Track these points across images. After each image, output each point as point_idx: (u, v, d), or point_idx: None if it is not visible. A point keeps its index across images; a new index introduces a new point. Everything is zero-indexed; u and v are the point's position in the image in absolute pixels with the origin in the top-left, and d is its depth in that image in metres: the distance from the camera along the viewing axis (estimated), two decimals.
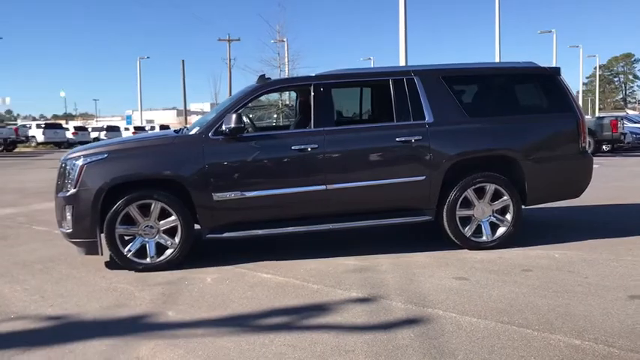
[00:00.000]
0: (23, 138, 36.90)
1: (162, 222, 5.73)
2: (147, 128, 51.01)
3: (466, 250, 6.12)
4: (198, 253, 6.21)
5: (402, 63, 19.64)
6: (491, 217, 6.16)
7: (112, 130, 48.32)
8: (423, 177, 5.96)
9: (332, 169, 5.87)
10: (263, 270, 5.61)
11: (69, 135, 42.92)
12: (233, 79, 53.51)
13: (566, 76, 6.28)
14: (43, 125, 43.14)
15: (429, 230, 6.53)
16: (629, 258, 5.69)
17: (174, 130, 6.86)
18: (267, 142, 5.95)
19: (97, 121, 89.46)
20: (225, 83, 53.20)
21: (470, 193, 6.06)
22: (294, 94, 8.50)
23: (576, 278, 5.05)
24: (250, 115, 6.92)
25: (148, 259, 5.71)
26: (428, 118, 6.04)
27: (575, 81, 66.11)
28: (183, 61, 59.85)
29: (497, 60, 29.89)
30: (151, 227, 5.73)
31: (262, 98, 7.57)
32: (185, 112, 65.09)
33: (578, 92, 60.61)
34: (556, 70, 6.41)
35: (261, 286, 5.10)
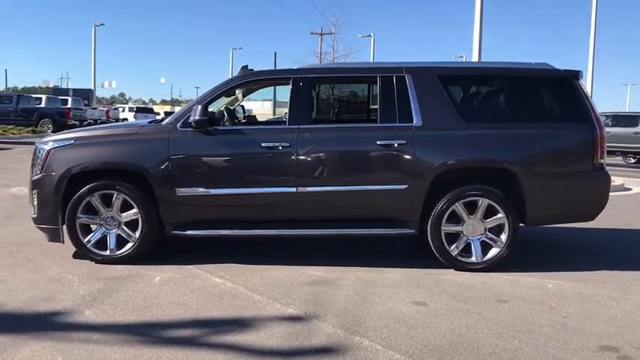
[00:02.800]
0: (113, 120, 38.66)
1: (124, 214, 5.51)
2: None
3: (450, 271, 5.46)
4: (166, 247, 5.97)
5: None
6: (483, 236, 5.46)
7: None
8: (405, 186, 5.36)
9: (304, 171, 5.40)
10: (219, 273, 5.26)
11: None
12: None
13: None
14: (134, 109, 45.04)
15: (423, 244, 5.87)
16: (635, 297, 4.84)
17: (150, 120, 6.64)
18: (236, 137, 5.56)
19: None
20: None
21: (459, 207, 5.39)
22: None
23: (554, 317, 4.31)
24: (231, 108, 6.56)
25: (108, 251, 5.52)
26: (416, 120, 5.42)
27: None
28: (275, 52, 60.54)
29: (590, 63, 27.86)
30: (113, 219, 5.53)
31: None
32: (274, 104, 65.81)
33: None
34: (574, 74, 5.56)
35: (203, 292, 4.75)
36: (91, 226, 5.59)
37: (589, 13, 28.20)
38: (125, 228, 5.52)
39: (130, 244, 5.51)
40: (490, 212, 5.41)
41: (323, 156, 5.43)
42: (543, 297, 4.78)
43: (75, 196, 5.43)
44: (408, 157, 5.35)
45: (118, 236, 5.54)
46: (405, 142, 5.35)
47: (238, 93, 6.74)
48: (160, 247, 5.86)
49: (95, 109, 39.04)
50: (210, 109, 6.21)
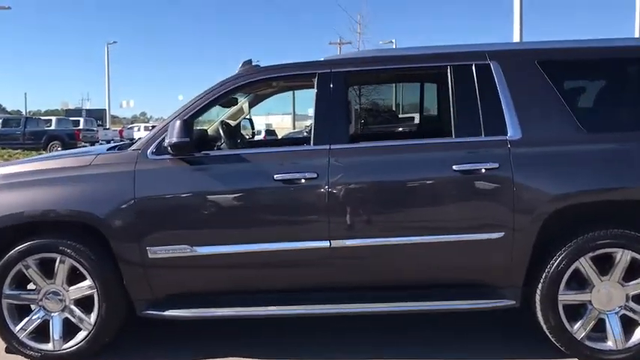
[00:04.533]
0: (127, 140, 37.24)
1: (72, 288, 3.68)
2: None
3: None
4: (137, 335, 4.10)
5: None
6: (624, 309, 3.50)
7: None
8: (500, 233, 3.45)
9: (341, 215, 3.51)
10: None
11: None
12: None
13: None
14: (150, 128, 43.70)
15: (517, 317, 3.87)
16: None
17: (111, 146, 4.69)
18: (235, 166, 3.67)
19: None
20: None
21: (585, 265, 3.45)
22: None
23: None
24: (232, 123, 4.70)
25: (51, 345, 3.69)
26: (512, 132, 3.51)
27: None
28: None
29: None
30: (57, 295, 3.70)
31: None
32: (294, 117, 63.82)
33: None
34: None
35: None
36: (31, 306, 3.77)
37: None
38: (75, 309, 3.69)
39: (82, 334, 3.67)
40: (635, 271, 3.46)
41: (369, 191, 3.54)
42: None
43: (0, 263, 3.62)
44: (503, 188, 3.44)
45: (66, 321, 3.72)
46: (497, 165, 3.44)
47: (243, 102, 4.91)
48: (129, 333, 4.00)
49: (107, 129, 37.64)
50: (208, 128, 4.45)
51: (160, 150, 3.64)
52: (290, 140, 5.35)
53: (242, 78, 3.81)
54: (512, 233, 3.44)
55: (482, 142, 3.53)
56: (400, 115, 4.78)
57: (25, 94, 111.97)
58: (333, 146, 3.57)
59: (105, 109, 46.19)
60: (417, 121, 4.60)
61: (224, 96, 3.80)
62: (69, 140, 28.30)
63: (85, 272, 3.61)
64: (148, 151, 3.67)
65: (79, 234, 3.67)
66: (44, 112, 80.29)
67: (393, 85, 4.93)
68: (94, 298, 3.63)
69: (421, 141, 3.71)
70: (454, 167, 3.47)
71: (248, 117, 5.34)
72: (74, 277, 3.68)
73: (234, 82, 3.79)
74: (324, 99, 3.65)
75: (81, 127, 31.60)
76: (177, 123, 3.49)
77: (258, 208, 3.57)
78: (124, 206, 3.55)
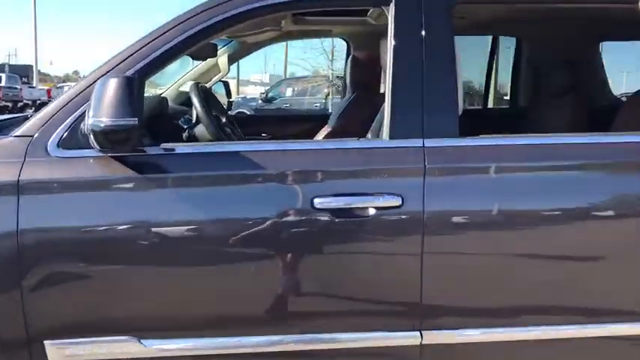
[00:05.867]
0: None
1: None
2: None
3: None
4: None
5: None
6: None
7: None
8: None
9: (446, 281, 1.77)
10: None
11: None
12: None
13: None
14: None
15: None
16: None
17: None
18: (234, 179, 1.83)
19: None
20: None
21: None
22: None
23: None
24: (207, 86, 2.81)
25: None
26: None
27: None
28: None
29: None
30: None
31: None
32: (238, 83, 61.09)
33: None
34: None
35: None
36: None
37: None
38: None
39: None
40: None
41: (504, 236, 1.80)
42: None
43: None
44: None
45: None
46: None
47: (222, 53, 3.05)
48: None
49: (34, 87, 34.23)
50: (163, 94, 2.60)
51: (74, 140, 1.76)
52: (313, 116, 3.41)
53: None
54: None
55: None
56: (547, 84, 2.90)
57: None
58: (428, 143, 1.78)
59: (32, 65, 42.21)
60: (582, 99, 2.69)
61: (204, 34, 1.89)
62: None
63: None
64: (50, 140, 1.77)
65: None
66: None
67: (541, 31, 3.04)
68: None
69: (586, 138, 1.91)
70: None
71: (224, 80, 3.50)
72: None
73: (230, 5, 1.89)
74: (409, 49, 1.84)
75: (2, 84, 28.45)
76: (114, 83, 1.61)
77: (281, 264, 1.77)
78: None
